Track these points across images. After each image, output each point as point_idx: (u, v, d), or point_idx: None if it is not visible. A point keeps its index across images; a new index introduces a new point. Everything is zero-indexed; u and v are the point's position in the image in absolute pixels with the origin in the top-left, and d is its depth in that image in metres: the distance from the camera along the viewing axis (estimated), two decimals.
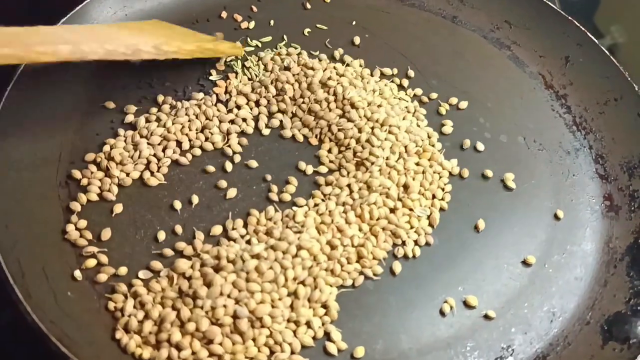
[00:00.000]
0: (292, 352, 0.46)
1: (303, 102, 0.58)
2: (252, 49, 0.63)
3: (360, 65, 0.62)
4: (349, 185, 0.54)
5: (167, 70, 0.60)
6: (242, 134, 0.57)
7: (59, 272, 0.48)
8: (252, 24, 0.64)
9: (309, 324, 0.47)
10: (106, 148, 0.54)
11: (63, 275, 0.48)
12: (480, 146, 0.59)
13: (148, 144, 0.55)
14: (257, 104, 0.58)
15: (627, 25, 0.81)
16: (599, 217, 0.56)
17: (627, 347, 0.48)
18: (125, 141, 0.55)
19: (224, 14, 0.65)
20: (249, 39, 0.63)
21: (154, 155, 0.54)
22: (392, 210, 0.53)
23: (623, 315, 0.50)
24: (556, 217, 0.56)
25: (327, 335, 0.48)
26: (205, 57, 0.60)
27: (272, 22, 0.65)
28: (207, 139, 0.56)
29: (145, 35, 0.56)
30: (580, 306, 0.52)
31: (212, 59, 0.61)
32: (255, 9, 0.66)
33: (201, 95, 0.58)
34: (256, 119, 0.58)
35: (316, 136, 0.57)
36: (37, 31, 0.51)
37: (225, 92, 0.59)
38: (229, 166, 0.55)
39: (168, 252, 0.50)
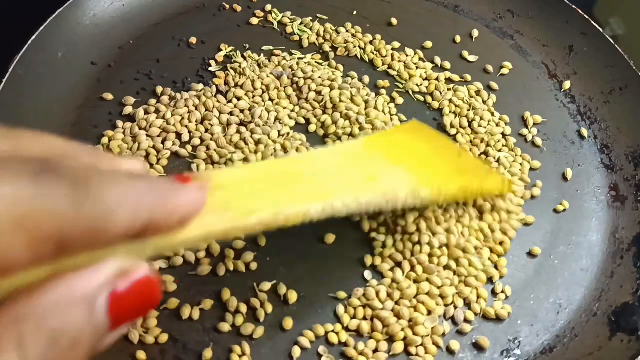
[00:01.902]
0: None
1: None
2: None
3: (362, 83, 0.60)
4: None
5: (165, 61, 0.59)
6: (241, 124, 0.56)
7: None
8: (254, 20, 0.63)
9: None
10: (104, 140, 0.54)
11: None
12: None
13: (147, 135, 0.54)
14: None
15: (626, 18, 0.80)
16: (604, 207, 0.56)
17: (635, 338, 0.48)
18: (123, 133, 0.54)
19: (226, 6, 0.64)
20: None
21: (153, 147, 0.54)
22: None
23: (631, 307, 0.50)
24: (561, 207, 0.55)
25: None
26: (469, 196, 0.51)
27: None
28: (207, 130, 0.55)
29: (400, 169, 0.45)
30: (586, 297, 0.51)
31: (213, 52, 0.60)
32: None
33: (201, 86, 0.57)
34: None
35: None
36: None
37: (225, 84, 0.58)
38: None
39: None
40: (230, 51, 0.60)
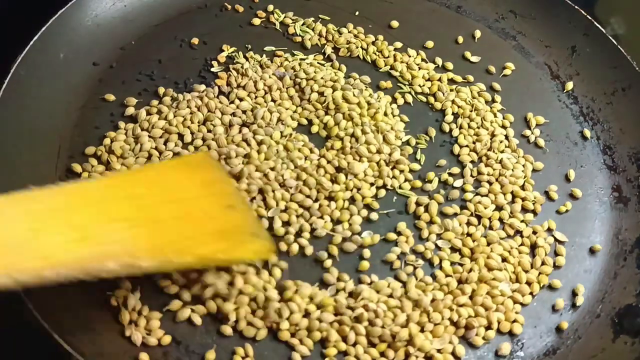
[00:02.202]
0: None
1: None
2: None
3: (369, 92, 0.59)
4: None
5: (167, 62, 0.59)
6: (244, 125, 0.56)
7: None
8: (256, 21, 0.63)
9: None
10: (107, 141, 0.53)
11: None
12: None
13: (149, 136, 0.54)
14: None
15: (627, 17, 0.80)
16: (607, 208, 0.56)
17: (638, 340, 0.47)
18: (126, 134, 0.54)
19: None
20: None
21: (156, 148, 0.53)
22: None
23: (634, 308, 0.50)
24: (564, 209, 0.55)
25: None
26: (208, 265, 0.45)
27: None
28: (209, 131, 0.55)
29: (126, 226, 0.40)
30: (590, 299, 0.51)
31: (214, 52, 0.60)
32: None
33: (203, 87, 0.57)
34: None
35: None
36: None
37: (227, 84, 0.58)
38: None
39: None
40: (233, 52, 0.60)
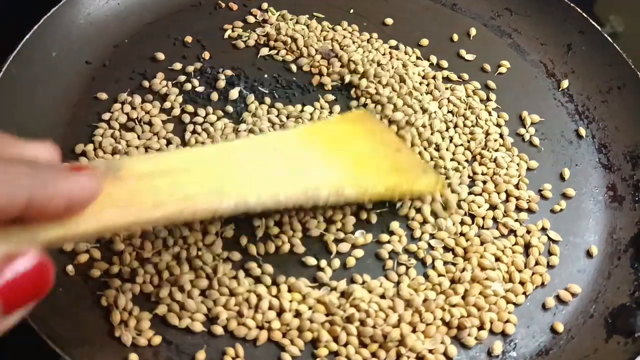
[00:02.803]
0: None
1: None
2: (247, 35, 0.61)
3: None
4: None
5: (161, 60, 0.59)
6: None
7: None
8: (250, 18, 0.63)
9: None
10: (97, 138, 0.53)
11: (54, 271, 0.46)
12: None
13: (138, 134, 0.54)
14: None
15: (626, 15, 0.79)
16: (602, 207, 0.55)
17: (632, 340, 0.47)
18: (112, 134, 0.54)
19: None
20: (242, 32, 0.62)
21: (146, 144, 0.53)
22: None
23: (628, 308, 0.49)
24: (559, 208, 0.54)
25: None
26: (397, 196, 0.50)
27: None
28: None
29: (329, 165, 0.45)
30: (583, 299, 0.51)
31: None
32: None
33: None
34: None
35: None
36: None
37: None
38: None
39: None
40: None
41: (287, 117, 0.56)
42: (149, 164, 0.37)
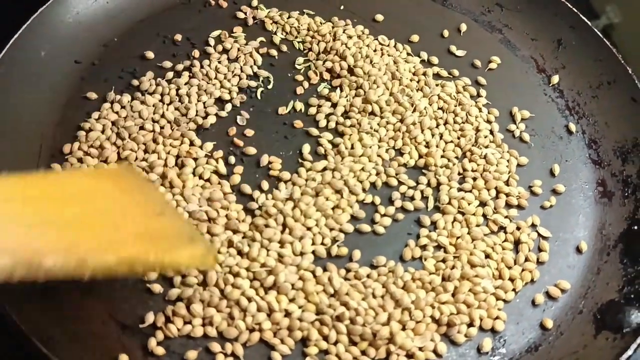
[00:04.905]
0: None
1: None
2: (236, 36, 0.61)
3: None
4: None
5: (150, 58, 0.59)
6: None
7: None
8: (240, 15, 0.63)
9: None
10: (81, 133, 0.54)
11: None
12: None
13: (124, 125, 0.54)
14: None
15: (622, 6, 0.79)
16: (592, 203, 0.56)
17: (620, 336, 0.47)
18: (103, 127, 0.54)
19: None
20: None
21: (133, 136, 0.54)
22: None
23: (616, 304, 0.50)
24: (548, 204, 0.55)
25: None
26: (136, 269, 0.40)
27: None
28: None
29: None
30: (572, 295, 0.51)
31: None
32: None
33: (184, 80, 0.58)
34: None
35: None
36: None
37: None
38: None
39: None
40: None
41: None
42: None
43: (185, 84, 0.57)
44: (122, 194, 0.43)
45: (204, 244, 0.45)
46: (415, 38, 0.63)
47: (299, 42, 0.61)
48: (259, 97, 0.58)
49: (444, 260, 0.50)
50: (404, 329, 0.47)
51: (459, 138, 0.57)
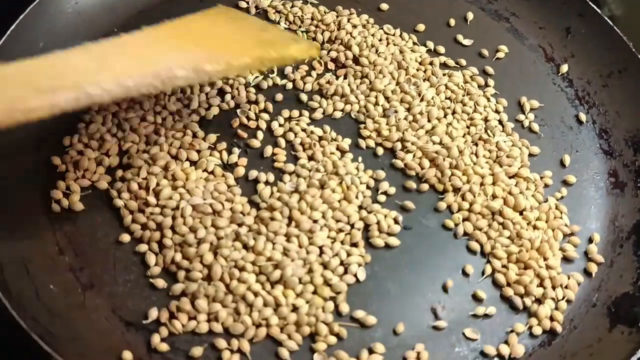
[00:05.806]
0: None
1: None
2: None
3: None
4: None
5: None
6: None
7: (40, 264, 0.46)
8: (242, 4, 0.62)
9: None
10: (82, 126, 0.52)
11: (44, 268, 0.46)
12: None
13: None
14: None
15: None
16: (603, 194, 0.54)
17: (635, 329, 0.46)
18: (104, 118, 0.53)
19: None
20: None
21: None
22: None
23: (631, 297, 0.49)
24: (559, 195, 0.53)
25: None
26: (268, 65, 0.54)
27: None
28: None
29: (184, 50, 0.47)
30: (585, 288, 0.50)
31: None
32: None
33: None
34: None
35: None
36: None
37: None
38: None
39: None
40: None
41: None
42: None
43: None
44: (233, 22, 0.54)
45: (307, 41, 0.58)
46: (421, 27, 0.62)
47: (302, 31, 0.60)
48: (262, 87, 0.57)
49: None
50: None
51: (468, 127, 0.56)
